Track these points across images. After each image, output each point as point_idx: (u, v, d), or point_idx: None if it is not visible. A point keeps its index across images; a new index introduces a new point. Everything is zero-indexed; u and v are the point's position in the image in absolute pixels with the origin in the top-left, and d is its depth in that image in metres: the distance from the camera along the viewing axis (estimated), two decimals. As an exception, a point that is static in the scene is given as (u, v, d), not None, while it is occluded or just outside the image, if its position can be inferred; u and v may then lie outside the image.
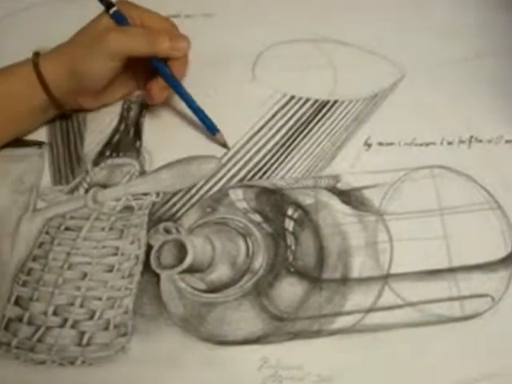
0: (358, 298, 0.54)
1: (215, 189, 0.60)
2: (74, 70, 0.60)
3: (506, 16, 0.70)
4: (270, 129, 0.64)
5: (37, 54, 0.61)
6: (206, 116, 0.63)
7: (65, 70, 0.60)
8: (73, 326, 0.54)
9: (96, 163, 0.62)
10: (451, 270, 0.55)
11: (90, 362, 0.53)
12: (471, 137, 0.62)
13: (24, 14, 0.73)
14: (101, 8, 0.62)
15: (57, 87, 0.60)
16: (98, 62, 0.60)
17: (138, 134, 0.64)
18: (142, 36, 0.61)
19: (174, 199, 0.60)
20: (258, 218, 0.57)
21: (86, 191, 0.60)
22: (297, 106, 0.65)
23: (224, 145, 0.63)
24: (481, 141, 0.62)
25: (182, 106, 0.64)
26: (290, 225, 0.57)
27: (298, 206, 0.57)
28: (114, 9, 0.62)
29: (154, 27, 0.63)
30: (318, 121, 0.64)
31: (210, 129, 0.63)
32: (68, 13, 0.72)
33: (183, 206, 0.59)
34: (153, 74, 0.63)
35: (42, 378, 0.53)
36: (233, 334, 0.54)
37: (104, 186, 0.60)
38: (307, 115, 0.64)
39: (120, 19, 0.62)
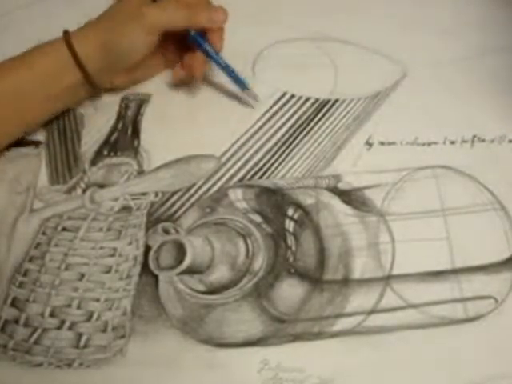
0: (359, 300, 0.54)
1: (214, 189, 0.60)
2: (110, 45, 0.60)
3: (508, 13, 0.70)
4: (270, 128, 0.64)
5: (67, 32, 0.61)
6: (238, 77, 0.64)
7: (100, 47, 0.60)
8: (70, 328, 0.54)
9: (93, 163, 0.62)
10: (454, 272, 0.55)
11: (87, 365, 0.53)
12: (474, 136, 0.62)
13: (22, 12, 0.73)
14: (103, 4, 0.62)
15: (91, 63, 0.60)
16: (136, 37, 0.60)
17: (136, 132, 0.64)
18: (179, 9, 0.61)
19: (173, 199, 0.60)
20: (257, 218, 0.57)
21: (84, 191, 0.60)
22: (297, 105, 0.65)
23: (255, 97, 0.64)
24: (484, 140, 0.62)
25: (181, 104, 0.64)
26: (290, 225, 0.56)
27: (299, 206, 0.57)
28: None
29: (189, 0, 0.63)
30: (319, 120, 0.64)
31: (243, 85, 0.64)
32: (67, 11, 0.71)
33: (182, 206, 0.59)
34: (187, 50, 0.64)
35: (38, 381, 0.53)
36: (232, 335, 0.53)
37: (102, 186, 0.60)
38: (308, 114, 0.64)
39: None
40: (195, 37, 0.63)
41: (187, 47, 0.64)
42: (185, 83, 0.66)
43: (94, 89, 0.63)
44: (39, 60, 0.60)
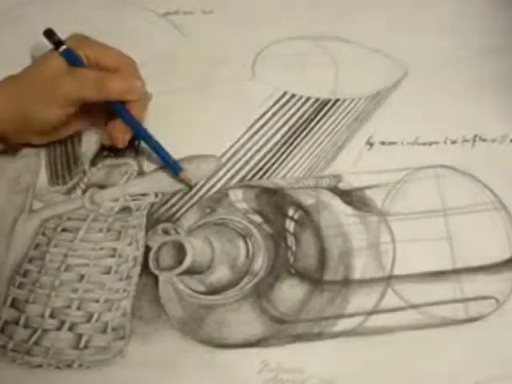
0: (360, 300, 0.54)
1: (214, 189, 0.60)
2: (21, 111, 0.58)
3: (509, 13, 0.69)
4: (271, 128, 0.64)
5: None
6: (169, 156, 0.60)
7: (12, 109, 0.58)
8: (70, 329, 0.54)
9: (93, 163, 0.62)
10: (455, 272, 0.55)
11: (87, 366, 0.53)
12: (475, 136, 0.62)
13: (22, 10, 0.73)
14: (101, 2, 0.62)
15: (4, 126, 0.59)
16: (48, 109, 0.58)
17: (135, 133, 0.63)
18: (93, 81, 0.59)
19: (173, 200, 0.60)
20: (258, 218, 0.57)
21: (84, 192, 0.60)
22: (298, 105, 0.65)
23: (187, 184, 0.60)
24: (485, 140, 0.61)
25: (182, 105, 0.64)
26: (290, 225, 0.56)
27: (299, 206, 0.57)
28: (63, 47, 0.60)
29: (109, 65, 0.60)
30: (320, 120, 0.64)
31: (173, 168, 0.60)
32: (67, 8, 0.71)
33: (182, 206, 0.59)
34: (111, 114, 0.61)
35: (38, 382, 0.53)
36: (232, 336, 0.53)
37: (102, 187, 0.60)
38: (308, 114, 0.64)
39: (72, 58, 0.60)
40: (114, 106, 0.60)
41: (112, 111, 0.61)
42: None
43: (4, 145, 0.61)
44: None
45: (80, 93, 0.59)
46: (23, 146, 0.63)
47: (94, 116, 0.63)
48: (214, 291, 0.55)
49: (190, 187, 0.60)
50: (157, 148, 0.61)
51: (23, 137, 0.61)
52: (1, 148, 0.62)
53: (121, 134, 0.61)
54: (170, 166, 0.60)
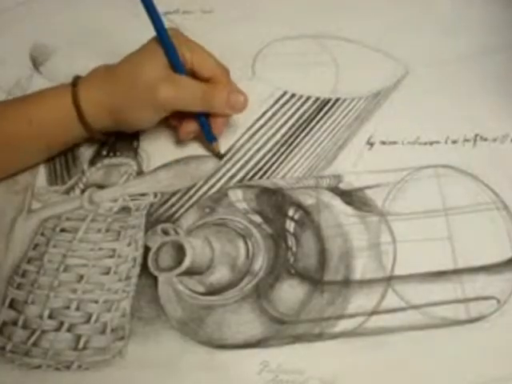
0: (360, 301, 0.54)
1: (214, 189, 0.60)
2: (118, 114, 0.58)
3: (509, 12, 0.69)
4: (271, 127, 0.64)
5: (75, 86, 0.57)
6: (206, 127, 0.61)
7: (107, 111, 0.57)
8: (69, 330, 0.54)
9: (92, 163, 0.62)
10: (456, 272, 0.54)
11: (86, 367, 0.53)
12: (476, 135, 0.61)
13: (22, 9, 0.73)
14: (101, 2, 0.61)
15: (96, 124, 0.58)
16: (146, 115, 0.58)
17: (135, 133, 0.63)
18: (195, 92, 0.58)
19: (172, 200, 0.59)
20: (258, 218, 0.57)
21: (82, 192, 0.60)
22: (298, 104, 0.65)
23: (217, 155, 0.61)
24: (486, 139, 0.61)
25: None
26: (290, 226, 0.56)
27: (299, 206, 0.57)
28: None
29: (206, 74, 0.59)
30: (320, 119, 0.64)
31: (209, 138, 0.61)
32: (67, 8, 0.71)
33: (181, 206, 0.59)
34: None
35: (37, 383, 0.52)
36: (232, 337, 0.53)
37: (100, 187, 0.60)
38: (308, 113, 0.64)
39: (175, 62, 0.57)
40: (201, 120, 0.60)
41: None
42: None
43: (94, 138, 0.61)
44: (41, 113, 0.57)
45: (182, 102, 0.58)
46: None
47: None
48: (213, 292, 0.54)
49: (221, 156, 0.61)
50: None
51: (109, 130, 0.60)
52: (85, 136, 0.60)
53: (187, 134, 0.61)
54: (206, 133, 0.61)
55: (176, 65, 0.57)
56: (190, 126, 0.60)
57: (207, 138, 0.61)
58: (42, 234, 0.58)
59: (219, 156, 0.61)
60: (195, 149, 0.62)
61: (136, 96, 0.57)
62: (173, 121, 0.61)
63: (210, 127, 0.60)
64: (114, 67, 0.58)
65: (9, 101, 0.60)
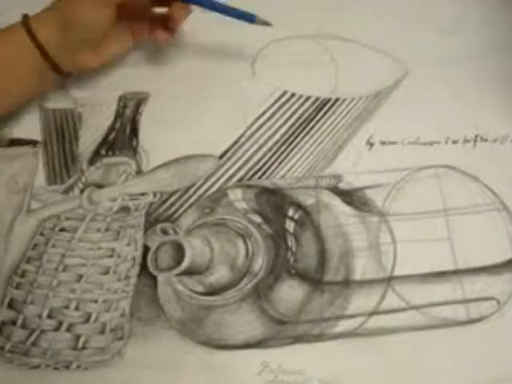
0: (360, 301, 0.54)
1: (214, 189, 0.60)
2: (68, 21, 0.58)
3: (510, 12, 0.69)
4: (270, 127, 0.63)
5: (26, 17, 0.59)
6: (240, 12, 0.62)
7: (58, 25, 0.58)
8: (68, 330, 0.54)
9: (91, 162, 0.62)
10: (456, 273, 0.55)
11: (85, 367, 0.53)
12: (476, 136, 0.61)
13: (18, 10, 0.72)
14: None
15: (51, 44, 0.59)
16: (92, 9, 0.58)
17: (134, 132, 0.63)
18: None
19: (172, 199, 0.59)
20: (257, 218, 0.57)
21: (82, 191, 0.60)
22: (297, 104, 0.65)
23: (266, 23, 0.62)
24: (486, 140, 0.61)
25: (180, 102, 0.63)
26: (290, 226, 0.56)
27: (299, 206, 0.57)
28: None
29: None
30: (320, 119, 0.63)
31: (249, 18, 0.62)
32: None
33: (181, 206, 0.59)
34: (151, 21, 0.62)
35: (36, 383, 0.53)
36: (232, 337, 0.53)
37: (100, 186, 0.60)
38: (308, 113, 0.64)
39: None
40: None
41: (153, 17, 0.63)
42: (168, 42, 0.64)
43: (58, 73, 0.61)
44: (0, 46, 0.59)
45: None
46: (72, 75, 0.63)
47: (134, 30, 0.64)
48: (213, 292, 0.54)
49: (270, 24, 0.62)
50: (233, 12, 0.62)
51: (72, 58, 0.61)
52: (51, 81, 0.62)
53: (182, 14, 0.62)
54: (244, 17, 0.62)
55: None
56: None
57: (247, 19, 0.62)
58: (41, 234, 0.58)
59: (268, 24, 0.62)
60: (195, 148, 0.62)
61: None
62: (140, 32, 0.63)
63: (243, 12, 0.62)
64: None
65: None
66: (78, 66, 0.62)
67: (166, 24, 0.62)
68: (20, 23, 0.59)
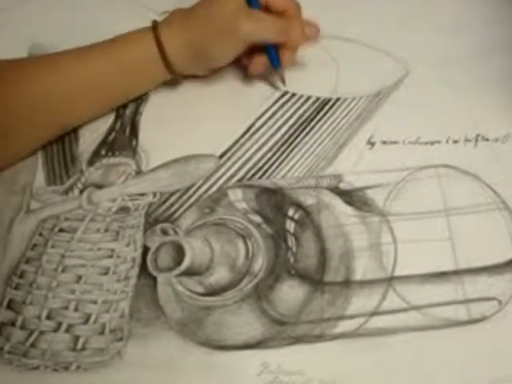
0: (361, 302, 0.53)
1: (214, 189, 0.60)
2: (200, 49, 0.60)
3: (511, 11, 0.69)
4: (271, 127, 0.63)
5: (156, 26, 0.60)
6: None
7: (187, 47, 0.60)
8: (67, 331, 0.54)
9: (91, 163, 0.62)
10: (457, 273, 0.54)
11: (84, 368, 0.53)
12: (477, 135, 0.61)
13: (18, 9, 0.72)
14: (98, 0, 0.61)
15: (178, 61, 0.61)
16: (227, 48, 0.61)
17: (134, 132, 0.63)
18: (274, 24, 0.61)
19: (172, 200, 0.59)
20: (257, 218, 0.57)
21: (81, 192, 0.60)
22: (298, 104, 0.65)
23: (282, 80, 0.64)
24: (487, 139, 0.61)
25: (180, 103, 0.63)
26: (290, 226, 0.56)
27: (299, 206, 0.57)
28: None
29: (278, 8, 0.62)
30: (320, 119, 0.63)
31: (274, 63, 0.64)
32: (63, 8, 0.71)
33: (181, 206, 0.59)
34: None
35: (35, 384, 0.52)
36: (232, 338, 0.53)
37: (99, 187, 0.60)
38: (309, 113, 0.64)
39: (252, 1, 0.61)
40: (271, 53, 0.63)
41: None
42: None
43: (175, 77, 0.63)
44: (124, 53, 0.60)
45: (262, 35, 0.61)
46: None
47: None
48: (213, 292, 0.54)
49: (284, 82, 0.65)
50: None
51: (191, 70, 0.63)
52: (163, 82, 0.64)
53: (259, 67, 0.63)
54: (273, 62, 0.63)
55: (251, 0, 0.61)
56: (260, 59, 0.63)
57: (274, 64, 0.63)
58: (41, 235, 0.58)
59: (283, 82, 0.64)
60: (195, 148, 0.62)
61: (217, 29, 0.60)
62: (244, 60, 0.64)
63: (278, 54, 0.63)
64: (191, 8, 0.61)
65: (93, 44, 0.61)
66: (192, 74, 0.64)
67: None
68: (147, 31, 0.60)
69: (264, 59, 0.63)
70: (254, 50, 0.63)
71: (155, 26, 0.61)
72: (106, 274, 0.55)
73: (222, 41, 0.60)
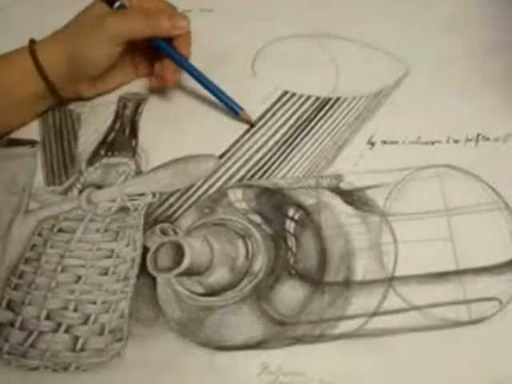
0: (361, 302, 0.53)
1: (213, 189, 0.60)
2: (73, 55, 0.60)
3: (511, 10, 0.69)
4: (271, 127, 0.63)
5: (33, 41, 0.61)
6: (225, 95, 0.63)
7: (63, 56, 0.60)
8: (66, 331, 0.54)
9: (90, 163, 0.62)
10: (458, 273, 0.54)
11: (84, 368, 0.53)
12: (478, 135, 0.61)
13: (19, 7, 0.72)
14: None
15: (54, 73, 0.60)
16: (98, 47, 0.60)
17: (133, 132, 0.64)
18: (141, 18, 0.62)
19: (171, 200, 0.59)
20: (257, 218, 0.57)
21: (80, 192, 0.60)
22: (298, 104, 0.65)
23: (249, 122, 0.63)
24: (488, 139, 0.61)
25: (180, 103, 0.63)
26: (290, 226, 0.56)
27: (300, 206, 0.56)
28: (117, 3, 0.63)
29: (153, 9, 0.63)
30: (320, 119, 0.63)
31: (232, 109, 0.63)
32: (63, 6, 0.70)
33: (180, 206, 0.59)
34: (156, 58, 0.64)
35: (34, 385, 0.52)
36: (232, 338, 0.53)
37: (98, 187, 0.60)
38: (309, 113, 0.64)
39: (116, 5, 0.63)
40: (162, 45, 0.63)
41: (158, 55, 0.64)
42: (162, 89, 0.66)
43: (57, 99, 0.63)
44: (2, 67, 0.61)
45: (130, 29, 0.61)
46: (71, 101, 0.65)
47: (138, 66, 0.66)
48: (212, 293, 0.54)
49: (252, 125, 0.63)
50: (210, 87, 0.63)
51: (73, 87, 0.63)
52: (54, 102, 0.64)
53: (170, 72, 0.63)
54: (229, 106, 0.63)
55: (117, 6, 0.63)
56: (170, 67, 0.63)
57: (232, 110, 0.63)
58: (40, 235, 0.58)
59: (251, 124, 0.63)
60: (195, 148, 0.62)
61: (86, 30, 0.61)
62: (143, 70, 0.66)
63: (231, 100, 0.63)
64: (63, 26, 0.63)
65: None
66: (76, 95, 0.64)
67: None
68: (27, 49, 0.61)
69: (169, 64, 0.63)
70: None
71: (33, 42, 0.61)
72: (105, 274, 0.55)
73: (93, 40, 0.61)
